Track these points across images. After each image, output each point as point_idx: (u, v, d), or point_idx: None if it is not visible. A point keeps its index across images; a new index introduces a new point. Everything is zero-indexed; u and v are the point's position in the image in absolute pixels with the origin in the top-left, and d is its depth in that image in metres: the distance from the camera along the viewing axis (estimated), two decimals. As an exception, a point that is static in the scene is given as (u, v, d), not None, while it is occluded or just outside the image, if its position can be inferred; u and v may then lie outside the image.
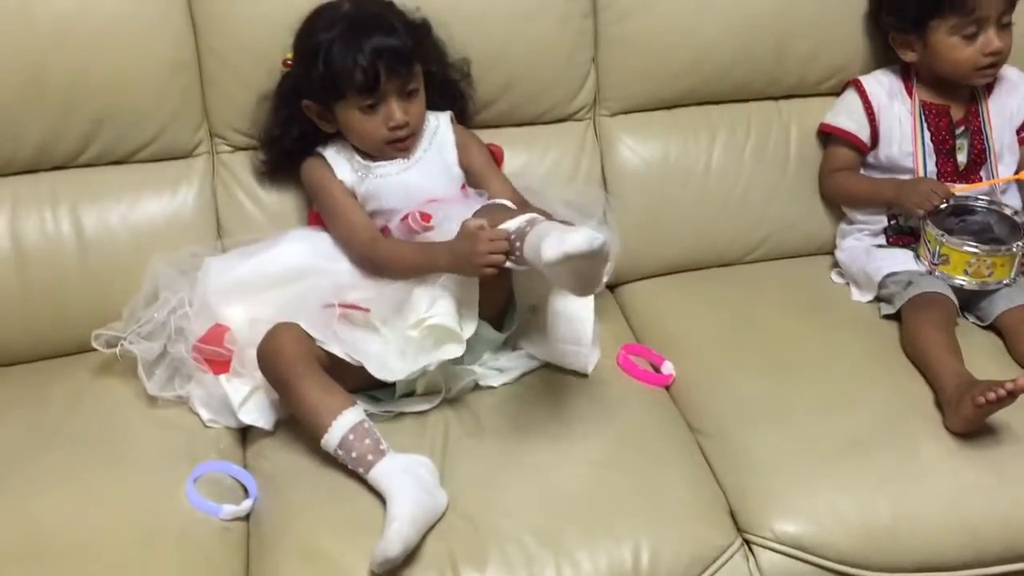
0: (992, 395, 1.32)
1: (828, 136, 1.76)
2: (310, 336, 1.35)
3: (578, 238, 1.19)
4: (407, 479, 1.25)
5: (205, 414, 1.43)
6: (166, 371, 1.45)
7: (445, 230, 1.40)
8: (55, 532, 1.26)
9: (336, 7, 1.48)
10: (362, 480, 1.30)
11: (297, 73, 1.50)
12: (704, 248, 1.77)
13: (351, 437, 1.29)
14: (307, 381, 1.33)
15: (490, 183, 1.56)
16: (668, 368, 1.56)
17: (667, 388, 1.55)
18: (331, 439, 1.30)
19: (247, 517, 1.34)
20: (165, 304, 1.45)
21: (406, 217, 1.46)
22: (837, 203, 1.78)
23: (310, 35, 1.47)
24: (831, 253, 1.79)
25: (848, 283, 1.72)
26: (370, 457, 1.28)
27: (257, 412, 1.41)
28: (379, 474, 1.27)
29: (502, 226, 1.33)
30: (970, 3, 1.58)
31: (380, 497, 1.27)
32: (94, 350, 1.44)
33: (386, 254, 1.47)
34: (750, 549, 1.33)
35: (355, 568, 1.23)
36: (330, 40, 1.43)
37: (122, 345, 1.42)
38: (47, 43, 1.47)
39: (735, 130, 1.76)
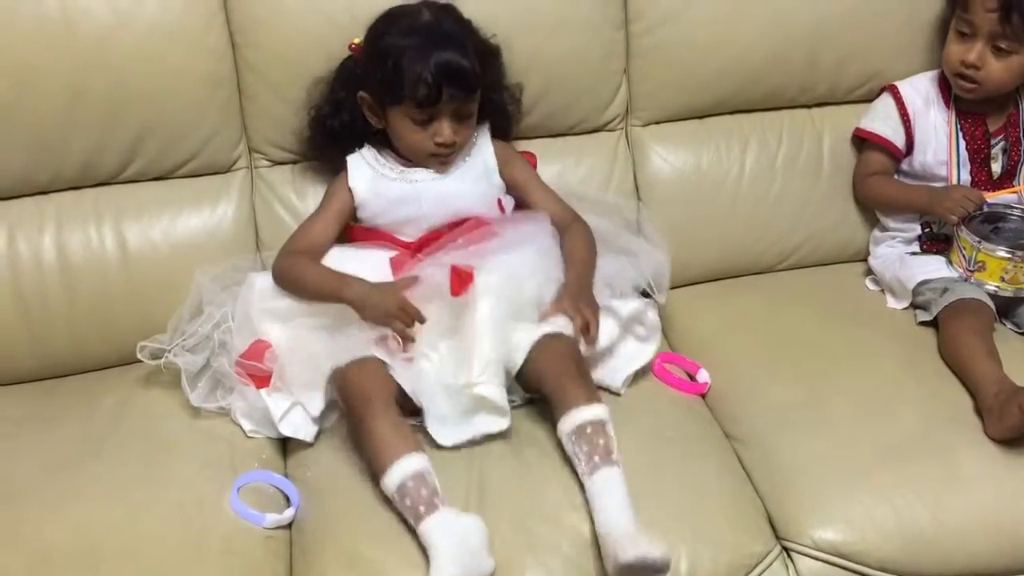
0: None
1: (863, 142, 1.76)
2: (389, 374, 1.38)
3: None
4: (453, 540, 1.23)
5: (247, 425, 1.45)
6: (208, 383, 1.47)
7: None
8: (103, 540, 1.28)
9: (417, 14, 1.49)
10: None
11: (362, 64, 1.51)
12: (737, 256, 1.77)
13: (409, 484, 1.27)
14: (380, 419, 1.32)
15: (532, 195, 1.59)
16: (704, 376, 1.57)
17: (703, 396, 1.56)
18: (390, 481, 1.28)
19: (289, 525, 1.36)
20: (209, 319, 1.47)
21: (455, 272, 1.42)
22: (871, 208, 1.77)
23: (384, 35, 1.48)
24: (865, 260, 1.79)
25: (883, 290, 1.72)
26: (422, 509, 1.25)
27: (297, 424, 1.43)
28: (427, 529, 1.24)
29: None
30: (967, 3, 1.59)
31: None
32: (139, 362, 1.46)
33: (299, 268, 1.48)
34: (789, 556, 1.34)
35: (396, 574, 1.24)
36: (403, 47, 1.44)
37: (166, 358, 1.44)
38: (89, 60, 1.50)
39: (767, 138, 1.77)
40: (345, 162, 1.56)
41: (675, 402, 1.51)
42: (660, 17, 1.67)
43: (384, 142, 1.56)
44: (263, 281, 1.51)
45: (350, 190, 1.54)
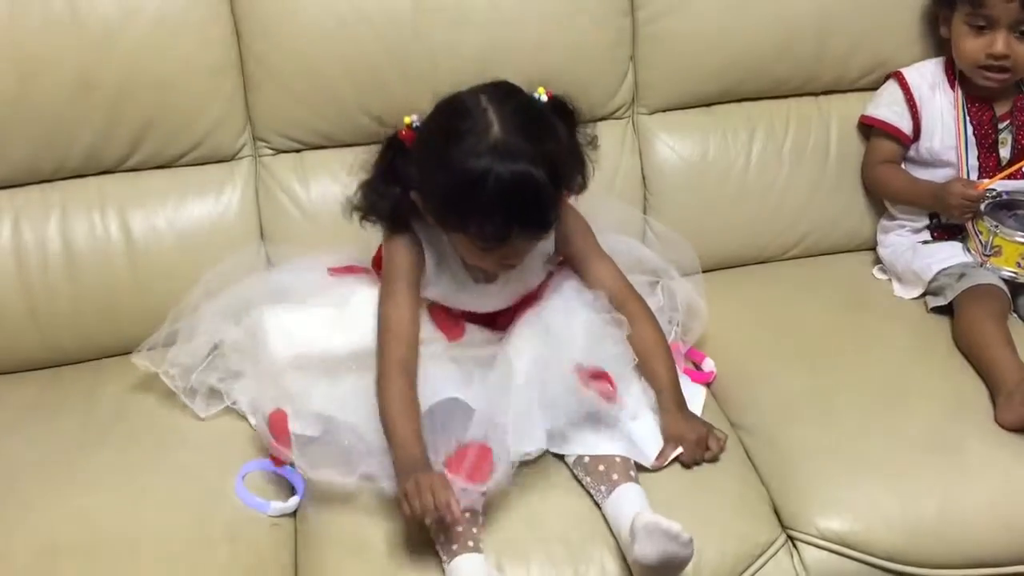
0: None
1: (870, 129, 1.75)
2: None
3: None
4: None
5: (253, 420, 1.42)
6: (205, 396, 1.44)
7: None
8: (108, 528, 1.29)
9: (484, 131, 1.21)
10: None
11: (416, 165, 1.28)
12: (744, 245, 1.77)
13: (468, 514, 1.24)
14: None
15: (590, 268, 1.43)
16: (709, 365, 1.56)
17: (708, 385, 1.55)
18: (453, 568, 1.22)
19: (294, 513, 1.36)
20: (204, 346, 1.44)
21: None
22: (879, 197, 1.77)
23: (445, 146, 1.23)
24: (872, 249, 1.78)
25: (890, 279, 1.71)
26: (455, 547, 1.22)
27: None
28: (455, 569, 1.21)
29: None
30: None
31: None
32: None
33: (392, 408, 1.28)
34: (794, 545, 1.33)
35: (401, 562, 1.24)
36: (467, 181, 1.20)
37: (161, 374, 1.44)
38: (95, 49, 1.50)
39: (774, 127, 1.76)
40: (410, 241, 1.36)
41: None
42: (667, 5, 1.66)
43: None
44: (277, 322, 1.41)
45: (423, 260, 1.36)
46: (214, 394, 1.45)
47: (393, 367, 1.31)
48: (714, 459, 1.37)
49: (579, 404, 1.34)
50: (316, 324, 1.41)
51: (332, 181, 1.63)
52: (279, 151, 1.64)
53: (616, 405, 1.36)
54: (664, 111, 1.75)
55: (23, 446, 1.41)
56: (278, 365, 1.37)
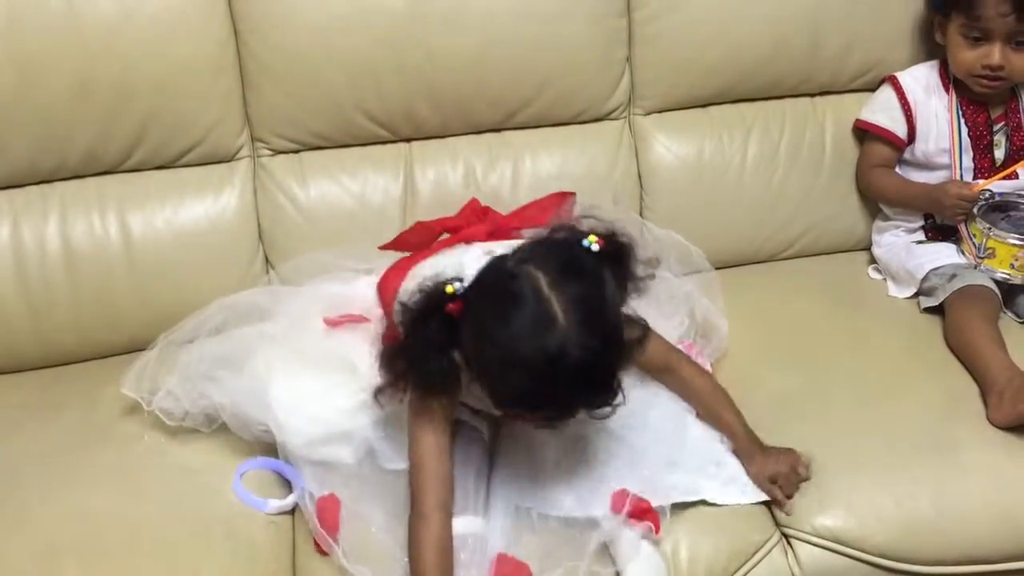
0: None
1: (865, 133, 1.75)
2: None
3: None
4: None
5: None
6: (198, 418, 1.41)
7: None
8: (108, 527, 1.29)
9: (546, 323, 1.09)
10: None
11: (472, 337, 1.15)
12: (740, 245, 1.78)
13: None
14: None
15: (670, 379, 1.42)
16: (704, 364, 1.57)
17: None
18: None
19: (293, 512, 1.36)
20: (202, 397, 1.39)
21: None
22: (874, 200, 1.77)
23: (501, 333, 1.10)
24: (867, 249, 1.79)
25: (885, 279, 1.72)
26: None
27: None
28: None
29: None
30: (976, 10, 1.57)
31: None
32: (142, 350, 1.47)
33: (422, 543, 1.21)
34: (789, 543, 1.34)
35: (400, 558, 1.25)
36: (529, 364, 1.10)
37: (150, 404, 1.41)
38: (93, 49, 1.50)
39: (769, 127, 1.77)
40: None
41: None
42: (663, 5, 1.67)
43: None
44: (286, 402, 1.35)
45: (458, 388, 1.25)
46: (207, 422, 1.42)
47: (434, 511, 1.21)
48: (807, 479, 1.35)
49: None
50: (327, 399, 1.36)
51: (330, 182, 1.64)
52: (277, 152, 1.65)
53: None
54: (660, 112, 1.75)
55: (23, 446, 1.41)
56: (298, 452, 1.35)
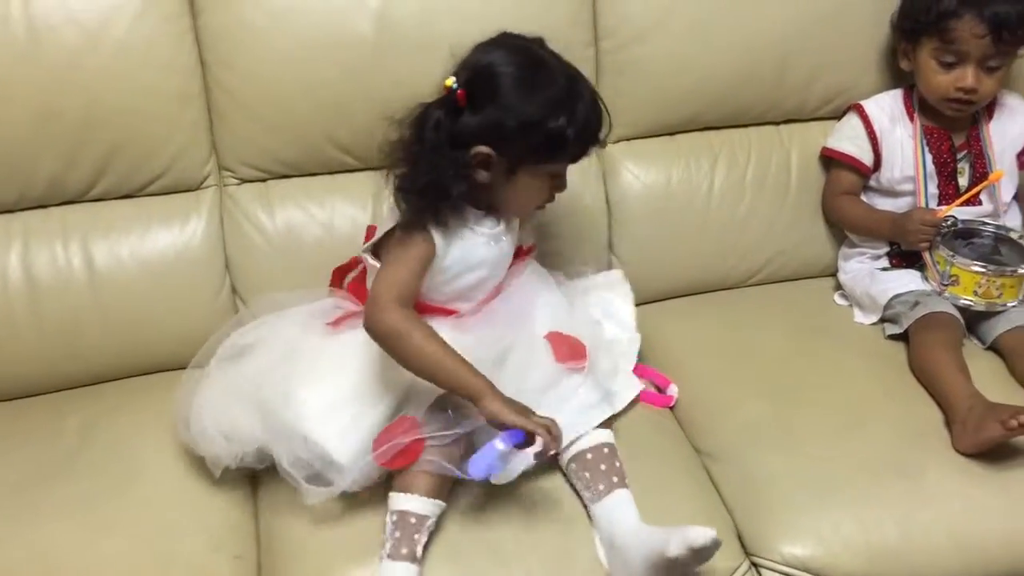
0: None
1: (831, 160, 1.77)
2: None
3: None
4: None
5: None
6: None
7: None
8: (68, 562, 1.27)
9: (576, 97, 1.33)
10: (371, 502, 1.32)
11: (492, 126, 1.30)
12: (707, 272, 1.79)
13: (412, 520, 1.27)
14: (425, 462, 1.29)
15: None
16: (673, 390, 1.58)
17: (672, 409, 1.56)
18: (395, 502, 1.28)
19: (258, 546, 1.35)
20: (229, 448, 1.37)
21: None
22: (839, 227, 1.79)
23: (530, 78, 1.31)
24: (833, 275, 1.81)
25: (851, 305, 1.74)
26: (403, 551, 1.25)
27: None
28: (385, 570, 1.25)
29: None
30: (950, 35, 1.59)
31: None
32: (109, 381, 1.45)
33: (426, 341, 1.29)
34: (758, 572, 1.35)
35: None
36: (562, 89, 1.32)
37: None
38: (57, 78, 1.49)
39: (736, 155, 1.78)
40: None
41: (644, 417, 1.51)
42: (630, 35, 1.68)
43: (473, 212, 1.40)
44: (319, 407, 1.34)
45: (435, 252, 1.36)
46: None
47: (408, 312, 1.32)
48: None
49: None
50: (360, 398, 1.36)
51: (298, 211, 1.63)
52: (244, 180, 1.64)
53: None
54: (628, 140, 1.76)
55: (-16, 479, 1.39)
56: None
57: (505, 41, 1.36)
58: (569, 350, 1.41)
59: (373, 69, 1.57)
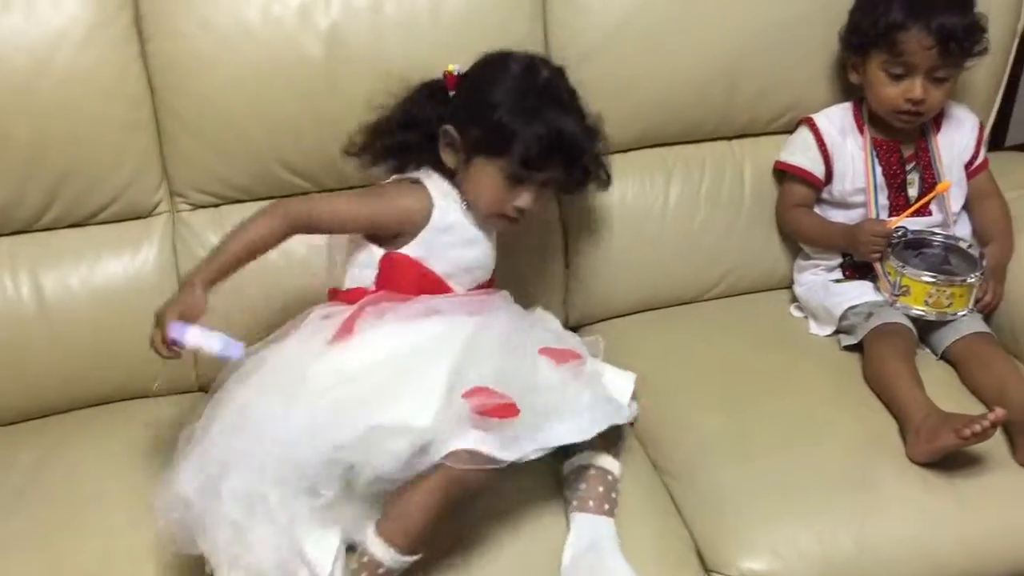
0: (977, 428, 1.35)
1: (783, 174, 1.79)
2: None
3: None
4: None
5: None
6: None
7: None
8: (21, 598, 1.25)
9: (535, 69, 1.43)
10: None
11: (460, 100, 1.43)
12: (664, 287, 1.79)
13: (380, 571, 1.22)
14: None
15: None
16: (634, 408, 1.57)
17: (632, 426, 1.57)
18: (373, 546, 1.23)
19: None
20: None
21: None
22: (793, 239, 1.81)
23: (498, 83, 1.40)
24: (789, 288, 1.82)
25: (807, 317, 1.75)
26: None
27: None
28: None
29: None
30: (899, 47, 1.61)
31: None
32: (61, 413, 1.43)
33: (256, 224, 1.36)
34: (716, 586, 1.35)
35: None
36: (523, 104, 1.37)
37: None
38: (3, 106, 1.47)
39: (690, 171, 1.79)
40: (414, 177, 1.45)
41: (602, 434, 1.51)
42: (581, 53, 1.68)
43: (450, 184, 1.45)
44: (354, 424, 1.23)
45: (429, 206, 1.41)
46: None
47: (279, 218, 1.38)
48: None
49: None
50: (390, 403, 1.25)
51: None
52: (197, 206, 1.63)
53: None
54: (582, 157, 1.77)
55: (-69, 517, 1.37)
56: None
57: (529, 56, 1.45)
58: (565, 355, 1.40)
59: (324, 91, 1.57)
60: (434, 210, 1.41)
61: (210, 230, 1.62)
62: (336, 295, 1.46)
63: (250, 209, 1.60)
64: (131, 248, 1.59)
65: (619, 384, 1.44)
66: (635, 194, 1.77)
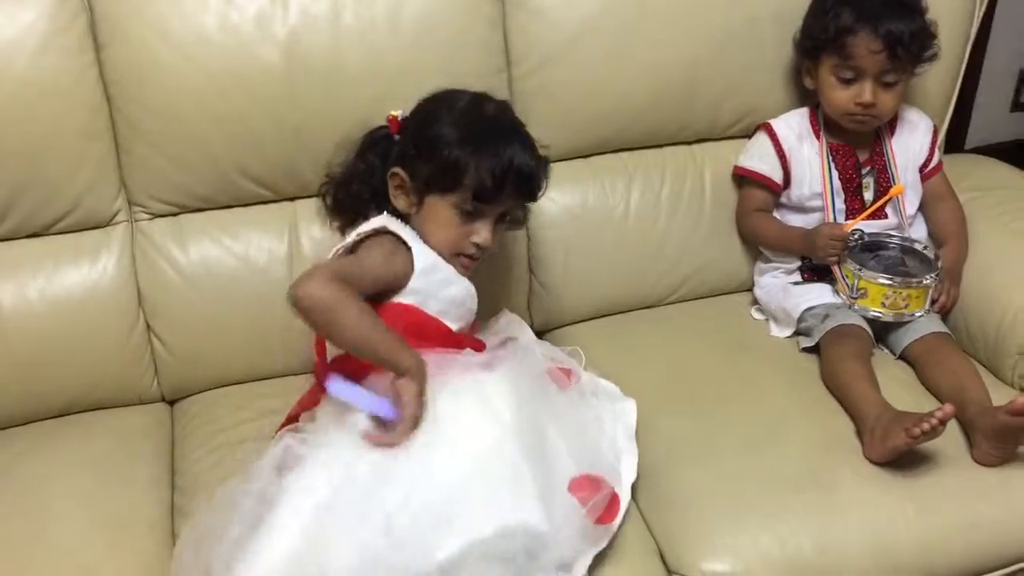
0: (926, 426, 1.36)
1: (742, 179, 1.81)
2: None
3: None
4: None
5: None
6: None
7: None
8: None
9: (480, 104, 1.43)
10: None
11: (407, 143, 1.43)
12: (626, 291, 1.80)
13: None
14: None
15: None
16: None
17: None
18: None
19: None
20: None
21: None
22: (753, 243, 1.83)
23: (443, 120, 1.40)
24: (750, 291, 1.84)
25: (767, 319, 1.77)
26: None
27: None
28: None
29: None
30: (847, 51, 1.64)
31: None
32: (21, 425, 1.42)
33: (355, 308, 1.25)
34: (678, 589, 1.36)
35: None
36: (470, 137, 1.37)
37: None
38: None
39: (651, 175, 1.80)
40: (384, 228, 1.40)
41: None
42: (541, 60, 1.69)
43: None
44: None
45: (408, 253, 1.38)
46: None
47: (345, 285, 1.27)
48: None
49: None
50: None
51: (212, 244, 1.62)
52: (156, 215, 1.62)
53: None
54: (544, 163, 1.78)
55: None
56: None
57: (472, 92, 1.45)
58: (565, 375, 1.42)
59: (283, 99, 1.56)
60: (414, 256, 1.39)
61: (169, 239, 1.61)
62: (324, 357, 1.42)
63: (211, 217, 1.63)
64: (89, 258, 1.58)
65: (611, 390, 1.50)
66: (596, 199, 1.78)
